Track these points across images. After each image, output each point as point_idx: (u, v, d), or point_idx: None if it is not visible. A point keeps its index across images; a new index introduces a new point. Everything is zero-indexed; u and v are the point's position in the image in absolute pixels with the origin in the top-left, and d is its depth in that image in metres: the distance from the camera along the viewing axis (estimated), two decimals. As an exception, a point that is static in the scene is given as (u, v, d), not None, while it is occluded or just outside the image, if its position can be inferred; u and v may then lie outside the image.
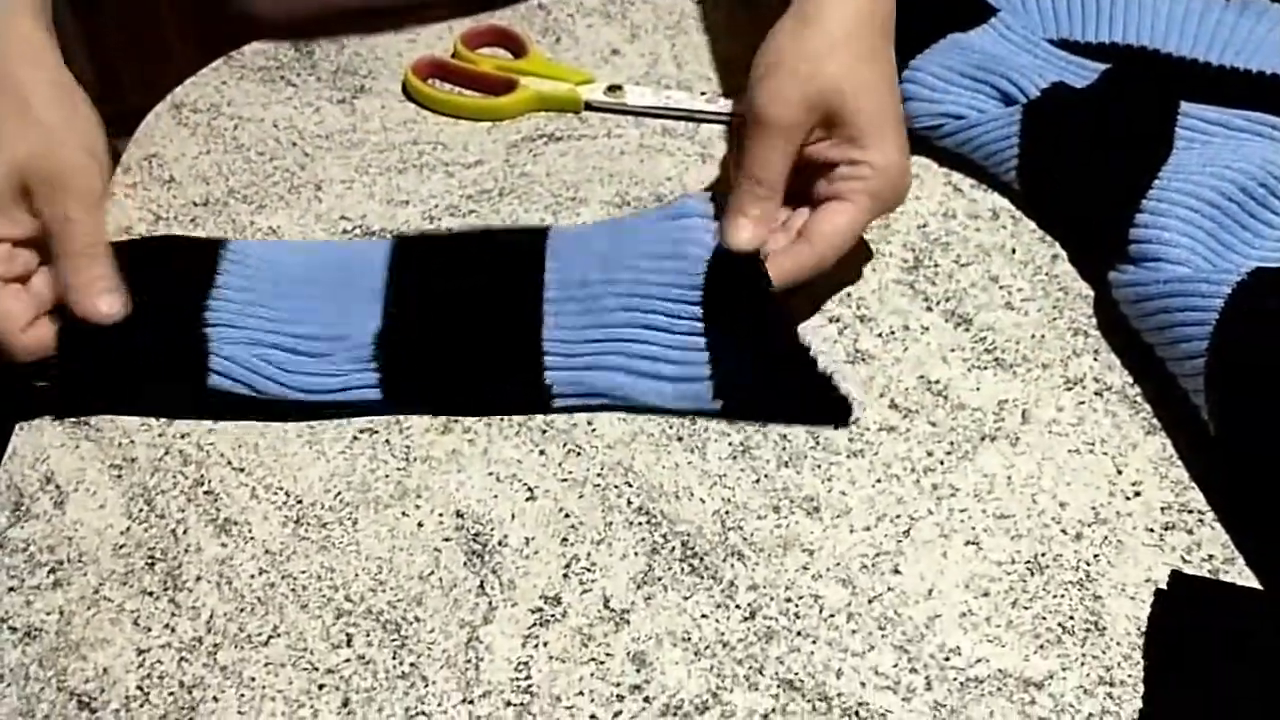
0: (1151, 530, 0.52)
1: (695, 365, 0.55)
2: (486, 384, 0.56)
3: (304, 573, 0.51)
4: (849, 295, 0.61)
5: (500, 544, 0.52)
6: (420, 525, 0.53)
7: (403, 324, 0.56)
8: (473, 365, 0.56)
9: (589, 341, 0.56)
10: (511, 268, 0.58)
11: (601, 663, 0.48)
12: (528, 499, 0.54)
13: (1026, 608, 0.50)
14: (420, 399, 0.56)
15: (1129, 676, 0.48)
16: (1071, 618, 0.49)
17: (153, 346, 0.55)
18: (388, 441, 0.56)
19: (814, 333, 0.59)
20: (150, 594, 0.51)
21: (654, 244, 0.57)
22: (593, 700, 0.47)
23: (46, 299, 0.56)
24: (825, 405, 0.56)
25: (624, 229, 0.59)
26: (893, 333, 0.60)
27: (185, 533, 0.53)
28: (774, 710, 0.47)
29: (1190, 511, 0.53)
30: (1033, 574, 0.51)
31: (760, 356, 0.56)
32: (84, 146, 0.56)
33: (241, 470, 0.55)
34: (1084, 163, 0.62)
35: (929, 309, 0.61)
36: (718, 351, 0.55)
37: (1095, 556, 0.51)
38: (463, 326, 0.56)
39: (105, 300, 0.54)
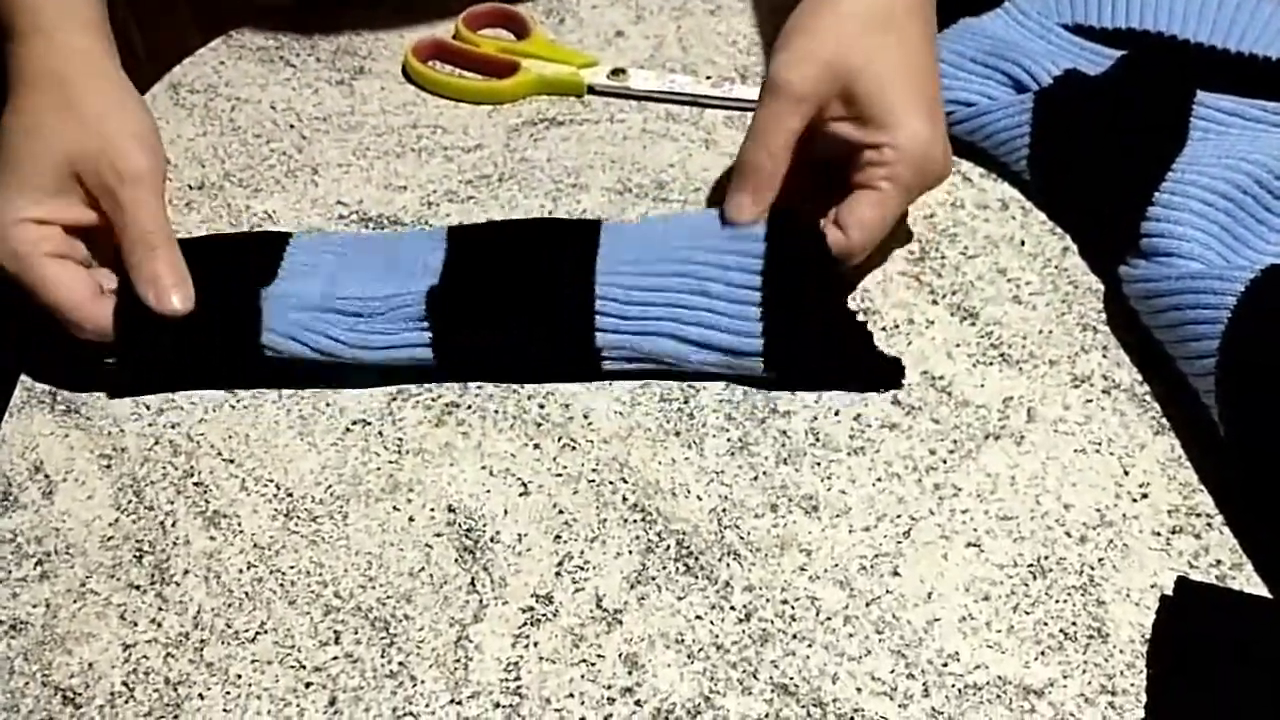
0: (1158, 534, 0.51)
1: (746, 337, 0.55)
2: (536, 346, 0.55)
3: (293, 568, 0.51)
4: (851, 286, 0.59)
5: (492, 540, 0.51)
6: (411, 520, 0.52)
7: (456, 286, 0.56)
8: (523, 327, 0.55)
9: (641, 305, 0.55)
10: (565, 243, 0.57)
11: (592, 664, 0.48)
12: (521, 494, 0.53)
13: (1028, 613, 0.49)
14: (470, 361, 0.56)
15: (1132, 686, 0.47)
16: (1074, 624, 0.48)
17: (210, 318, 0.55)
18: (380, 433, 0.55)
19: None
20: (137, 588, 0.50)
21: (710, 224, 0.58)
22: (583, 703, 0.47)
23: (106, 285, 0.55)
24: (877, 374, 0.56)
25: (678, 218, 0.60)
26: (896, 326, 0.58)
27: (174, 525, 0.52)
28: (767, 715, 0.46)
29: (1198, 515, 0.52)
30: (1035, 578, 0.50)
31: (813, 334, 0.55)
32: (131, 133, 0.55)
33: (232, 461, 0.54)
34: (1096, 153, 0.61)
35: (934, 302, 0.59)
36: (770, 316, 0.54)
37: (1100, 560, 0.50)
38: (515, 290, 0.56)
39: (173, 296, 0.54)
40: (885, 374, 0.56)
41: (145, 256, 0.54)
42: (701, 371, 0.56)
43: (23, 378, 0.57)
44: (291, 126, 0.68)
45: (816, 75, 0.55)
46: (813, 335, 0.55)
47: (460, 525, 0.52)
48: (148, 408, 0.56)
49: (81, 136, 0.54)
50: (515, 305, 0.55)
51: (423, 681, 0.47)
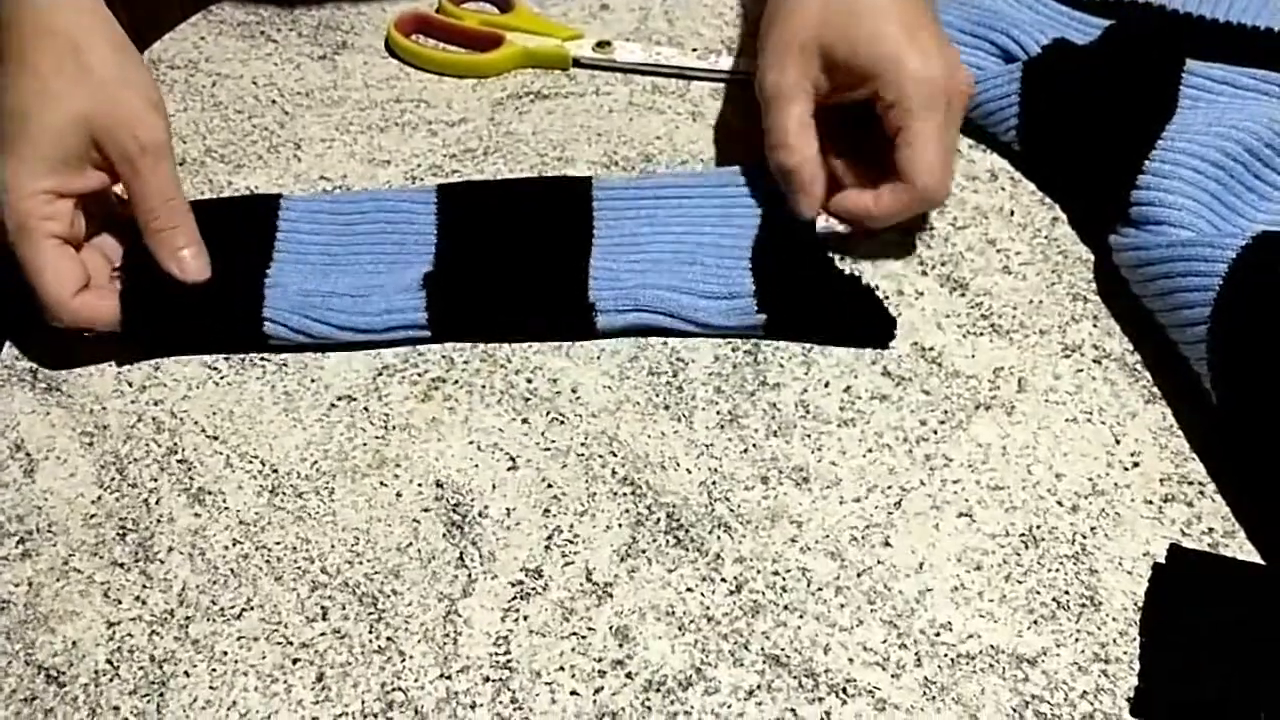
0: (1150, 502, 0.51)
1: (739, 283, 0.55)
2: (531, 304, 0.56)
3: (279, 544, 0.50)
4: (842, 258, 0.59)
5: (480, 515, 0.51)
6: (399, 495, 0.51)
7: (450, 258, 0.57)
8: (518, 288, 0.56)
9: (634, 261, 0.56)
10: (558, 203, 0.59)
11: (583, 637, 0.47)
12: (509, 469, 0.52)
13: (1020, 582, 0.48)
14: (465, 325, 0.56)
15: (1124, 654, 0.46)
16: (1066, 592, 0.48)
17: (212, 306, 0.55)
18: (366, 409, 0.54)
19: None
20: (121, 565, 0.49)
21: (701, 182, 0.60)
22: (573, 675, 0.46)
23: (96, 269, 0.55)
24: (870, 322, 0.56)
25: (669, 178, 0.61)
26: (886, 297, 0.58)
27: (158, 502, 0.51)
28: (759, 686, 0.46)
29: (1190, 483, 0.51)
30: (1027, 547, 0.49)
31: (805, 278, 0.56)
32: (144, 98, 0.55)
33: (216, 438, 0.53)
34: (1086, 122, 0.60)
35: (924, 273, 0.59)
36: (762, 274, 0.56)
37: (1091, 529, 0.50)
38: (508, 253, 0.57)
39: (191, 262, 0.55)
40: (876, 328, 0.56)
41: (166, 227, 0.54)
42: (695, 322, 0.55)
43: (2, 355, 0.56)
44: (273, 102, 0.67)
45: (796, 64, 0.56)
46: (804, 280, 0.56)
47: (448, 500, 0.51)
48: (130, 384, 0.55)
49: (100, 103, 0.53)
50: (509, 266, 0.56)
51: (411, 656, 0.47)
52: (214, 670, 0.46)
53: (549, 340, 0.56)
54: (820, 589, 0.48)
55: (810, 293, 0.56)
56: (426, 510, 0.51)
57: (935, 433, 0.53)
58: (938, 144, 0.55)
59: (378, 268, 0.57)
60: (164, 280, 0.55)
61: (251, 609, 0.48)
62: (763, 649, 0.47)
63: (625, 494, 0.51)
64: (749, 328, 0.56)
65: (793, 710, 0.45)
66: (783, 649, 0.47)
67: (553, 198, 0.59)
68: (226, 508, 0.51)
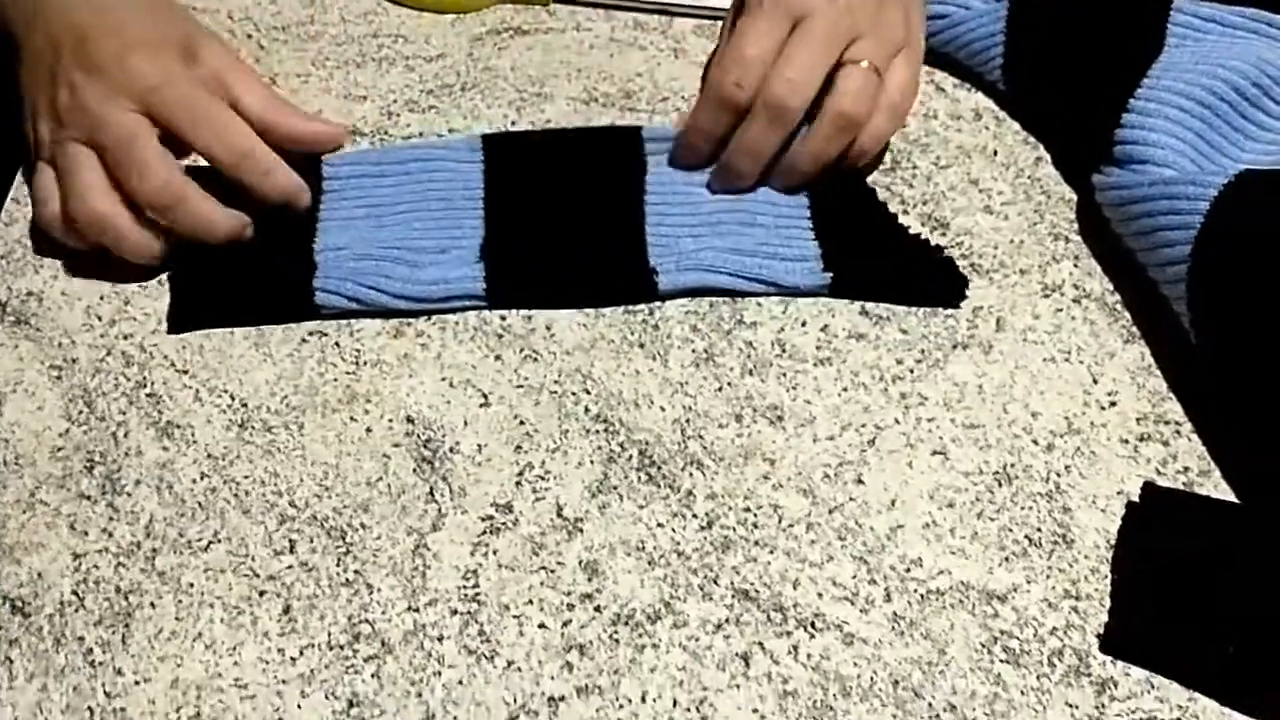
0: (1126, 441, 0.50)
1: (803, 244, 0.55)
2: (591, 273, 0.55)
3: (247, 478, 0.50)
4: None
5: (451, 451, 0.50)
6: (369, 431, 0.51)
7: (503, 222, 0.56)
8: (577, 257, 0.55)
9: (691, 225, 0.56)
10: (610, 165, 0.58)
11: (552, 571, 0.47)
12: (481, 405, 0.52)
13: (992, 519, 0.48)
14: (524, 296, 0.55)
15: (1095, 590, 0.46)
16: (1039, 530, 0.48)
17: (262, 283, 0.55)
18: (337, 344, 0.54)
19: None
20: (88, 498, 0.49)
21: None
22: (542, 609, 0.46)
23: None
24: (940, 282, 0.55)
25: None
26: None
27: (125, 436, 0.51)
28: (727, 620, 0.46)
29: (1167, 422, 0.51)
30: (1000, 485, 0.49)
31: (872, 239, 0.56)
32: None
33: (185, 372, 0.53)
34: (1071, 60, 0.59)
35: (905, 212, 0.58)
36: (826, 234, 0.56)
37: (1066, 468, 0.50)
38: (562, 217, 0.56)
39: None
40: (946, 287, 0.55)
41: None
42: (762, 281, 0.54)
43: None
44: (249, 36, 0.66)
45: None
46: (871, 241, 0.56)
47: (419, 436, 0.51)
48: (99, 318, 0.54)
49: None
50: (565, 233, 0.56)
51: (379, 589, 0.46)
52: (180, 602, 0.46)
53: (610, 305, 0.55)
54: (791, 525, 0.48)
55: (878, 253, 0.55)
56: (397, 445, 0.50)
57: (911, 371, 0.53)
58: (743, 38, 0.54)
59: (426, 227, 0.56)
60: (214, 254, 0.54)
61: (219, 541, 0.48)
62: (732, 583, 0.46)
63: (598, 431, 0.51)
64: (815, 287, 0.54)
65: (760, 644, 0.45)
66: (752, 584, 0.46)
67: (601, 151, 0.58)
68: (195, 441, 0.51)
